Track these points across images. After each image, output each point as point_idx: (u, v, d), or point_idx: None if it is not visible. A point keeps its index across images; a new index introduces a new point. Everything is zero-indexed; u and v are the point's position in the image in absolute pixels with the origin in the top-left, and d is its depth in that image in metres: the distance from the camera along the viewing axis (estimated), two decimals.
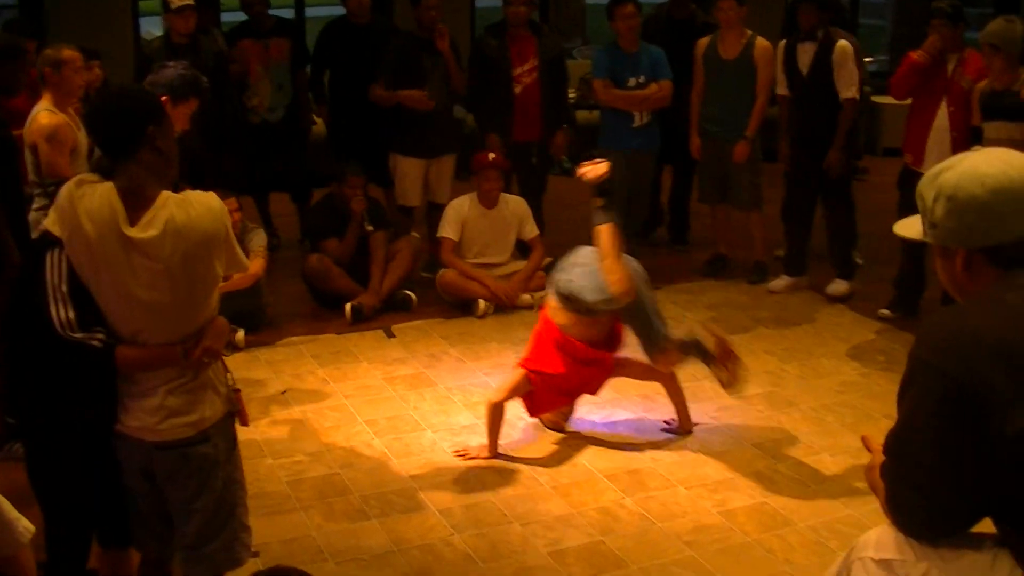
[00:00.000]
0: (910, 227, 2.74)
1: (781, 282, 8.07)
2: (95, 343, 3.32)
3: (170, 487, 3.57)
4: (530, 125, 8.28)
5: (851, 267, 8.03)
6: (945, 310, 2.61)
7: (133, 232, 3.28)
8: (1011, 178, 2.49)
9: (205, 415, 3.51)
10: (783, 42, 7.81)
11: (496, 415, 5.58)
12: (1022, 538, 2.46)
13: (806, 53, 7.64)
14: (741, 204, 8.25)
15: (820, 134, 7.63)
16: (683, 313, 7.63)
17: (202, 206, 3.37)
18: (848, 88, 7.54)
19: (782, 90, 7.85)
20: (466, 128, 9.54)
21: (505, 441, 5.73)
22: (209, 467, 3.55)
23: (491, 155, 7.66)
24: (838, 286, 7.96)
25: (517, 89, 8.19)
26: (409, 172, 8.33)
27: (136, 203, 3.32)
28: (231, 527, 3.66)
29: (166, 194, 3.35)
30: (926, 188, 2.60)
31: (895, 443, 2.58)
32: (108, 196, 3.30)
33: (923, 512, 2.54)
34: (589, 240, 5.70)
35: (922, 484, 2.50)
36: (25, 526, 2.93)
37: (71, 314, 3.32)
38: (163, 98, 4.75)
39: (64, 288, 3.34)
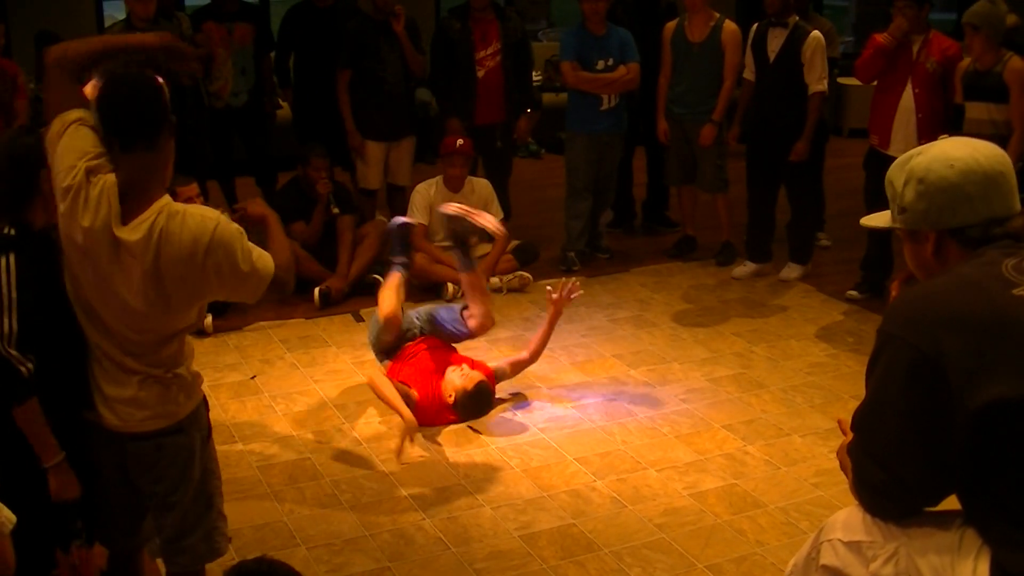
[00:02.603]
0: (877, 219, 2.79)
1: (744, 269, 8.08)
2: (22, 370, 3.25)
3: (146, 480, 3.52)
4: (493, 108, 8.25)
5: (807, 251, 8.05)
6: (911, 287, 2.65)
7: (122, 232, 3.18)
8: (978, 162, 2.57)
9: (179, 405, 3.46)
10: (755, 25, 7.80)
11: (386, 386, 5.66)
12: (988, 515, 2.48)
13: (776, 39, 7.63)
14: (706, 186, 8.26)
15: (781, 122, 7.63)
16: (651, 295, 7.65)
17: (195, 222, 3.20)
18: (818, 82, 7.54)
19: (749, 74, 7.85)
20: (431, 111, 9.51)
21: (475, 424, 5.73)
22: (186, 458, 3.50)
23: (459, 141, 7.64)
24: (791, 271, 7.98)
25: (480, 72, 8.17)
26: (370, 155, 8.31)
27: (135, 200, 3.21)
28: (210, 517, 3.63)
29: (165, 200, 3.24)
30: (896, 174, 2.67)
31: (862, 418, 2.61)
32: (108, 191, 3.18)
33: (889, 488, 2.57)
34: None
35: (888, 459, 2.53)
36: (7, 516, 2.89)
37: (14, 326, 3.24)
38: None
39: (13, 295, 3.26)
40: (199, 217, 3.22)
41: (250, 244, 3.31)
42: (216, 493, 3.67)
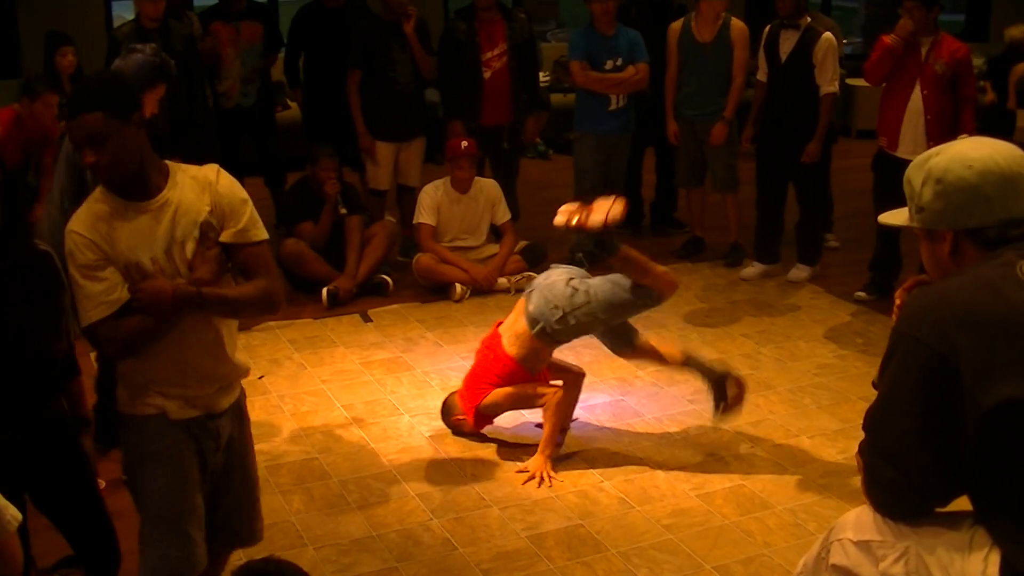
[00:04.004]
0: (895, 216, 2.79)
1: (753, 270, 8.07)
2: None
3: None
4: (500, 110, 8.25)
5: (815, 252, 8.04)
6: (926, 287, 2.66)
7: None
8: (997, 163, 2.56)
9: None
10: (767, 27, 7.79)
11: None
12: (999, 515, 2.48)
13: (788, 40, 7.62)
14: (718, 185, 8.25)
15: (792, 123, 7.63)
16: None
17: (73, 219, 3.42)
18: (830, 83, 7.54)
19: (762, 76, 7.84)
20: (440, 112, 9.51)
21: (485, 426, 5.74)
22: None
23: (464, 143, 7.65)
24: (799, 272, 7.97)
25: (486, 74, 8.16)
26: (380, 156, 8.31)
27: None
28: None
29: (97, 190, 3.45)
30: (914, 174, 2.66)
31: (874, 417, 2.61)
32: None
33: (900, 487, 2.57)
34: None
35: (899, 458, 2.52)
36: (12, 514, 2.89)
37: None
38: None
39: None
40: (74, 217, 3.40)
41: (87, 282, 3.32)
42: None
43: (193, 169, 3.49)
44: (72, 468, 3.70)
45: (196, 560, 3.61)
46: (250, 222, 3.48)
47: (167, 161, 3.49)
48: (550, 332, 5.25)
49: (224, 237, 3.44)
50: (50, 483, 3.62)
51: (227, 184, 3.48)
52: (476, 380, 5.46)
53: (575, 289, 5.24)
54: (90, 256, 3.32)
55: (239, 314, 3.62)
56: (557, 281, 5.31)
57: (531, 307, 5.28)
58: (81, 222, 3.36)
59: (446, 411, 5.69)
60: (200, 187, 3.44)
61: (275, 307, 3.57)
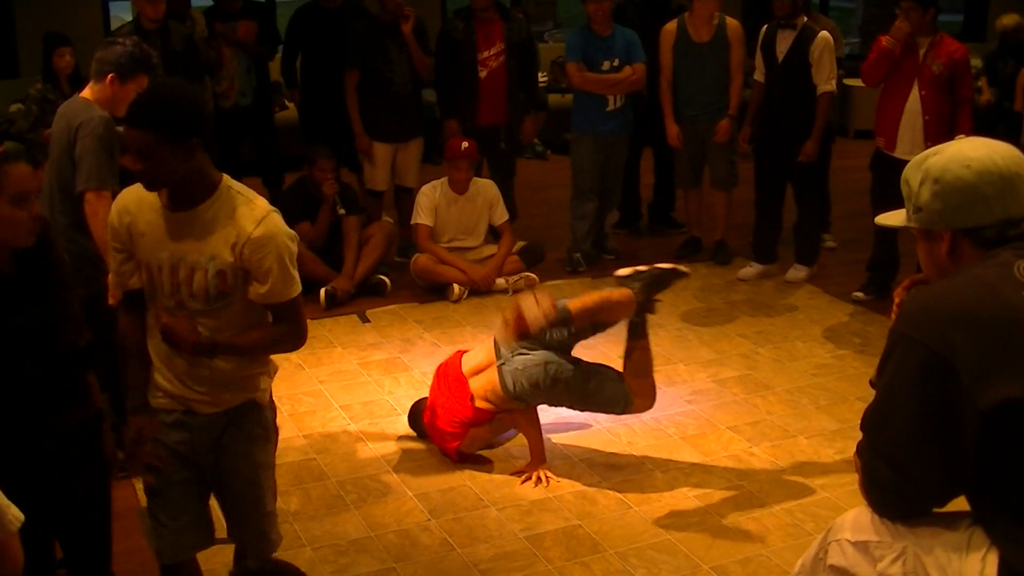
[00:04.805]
0: (893, 218, 2.79)
1: (750, 270, 8.07)
2: None
3: None
4: (496, 109, 8.24)
5: (813, 252, 8.04)
6: (923, 288, 2.66)
7: None
8: (995, 162, 2.56)
9: None
10: (764, 27, 7.79)
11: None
12: (998, 515, 2.48)
13: (784, 40, 7.61)
14: (720, 183, 8.24)
15: (789, 123, 7.62)
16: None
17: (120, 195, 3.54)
18: (826, 82, 7.54)
19: (759, 76, 7.84)
20: (438, 112, 9.54)
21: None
22: None
23: (464, 145, 7.64)
24: (797, 272, 7.97)
25: (483, 73, 8.15)
26: (377, 156, 8.31)
27: None
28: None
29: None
30: (912, 173, 2.66)
31: (872, 417, 2.60)
32: None
33: (898, 487, 2.56)
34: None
35: (898, 458, 2.52)
36: (14, 514, 2.87)
37: None
38: (109, 76, 4.73)
39: None
40: (123, 192, 3.55)
41: (111, 255, 3.50)
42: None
43: (244, 199, 3.35)
44: (93, 465, 3.67)
45: (180, 544, 3.67)
46: (277, 285, 3.35)
47: (226, 178, 3.38)
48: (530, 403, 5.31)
49: (252, 296, 3.37)
50: (68, 479, 3.59)
51: (258, 242, 3.31)
52: (449, 419, 5.36)
53: (555, 380, 5.17)
54: (110, 238, 3.49)
55: (254, 358, 3.55)
56: (533, 367, 5.17)
57: (510, 387, 5.17)
58: (117, 205, 3.46)
59: (417, 428, 5.64)
60: (235, 229, 3.31)
61: (293, 348, 3.60)
